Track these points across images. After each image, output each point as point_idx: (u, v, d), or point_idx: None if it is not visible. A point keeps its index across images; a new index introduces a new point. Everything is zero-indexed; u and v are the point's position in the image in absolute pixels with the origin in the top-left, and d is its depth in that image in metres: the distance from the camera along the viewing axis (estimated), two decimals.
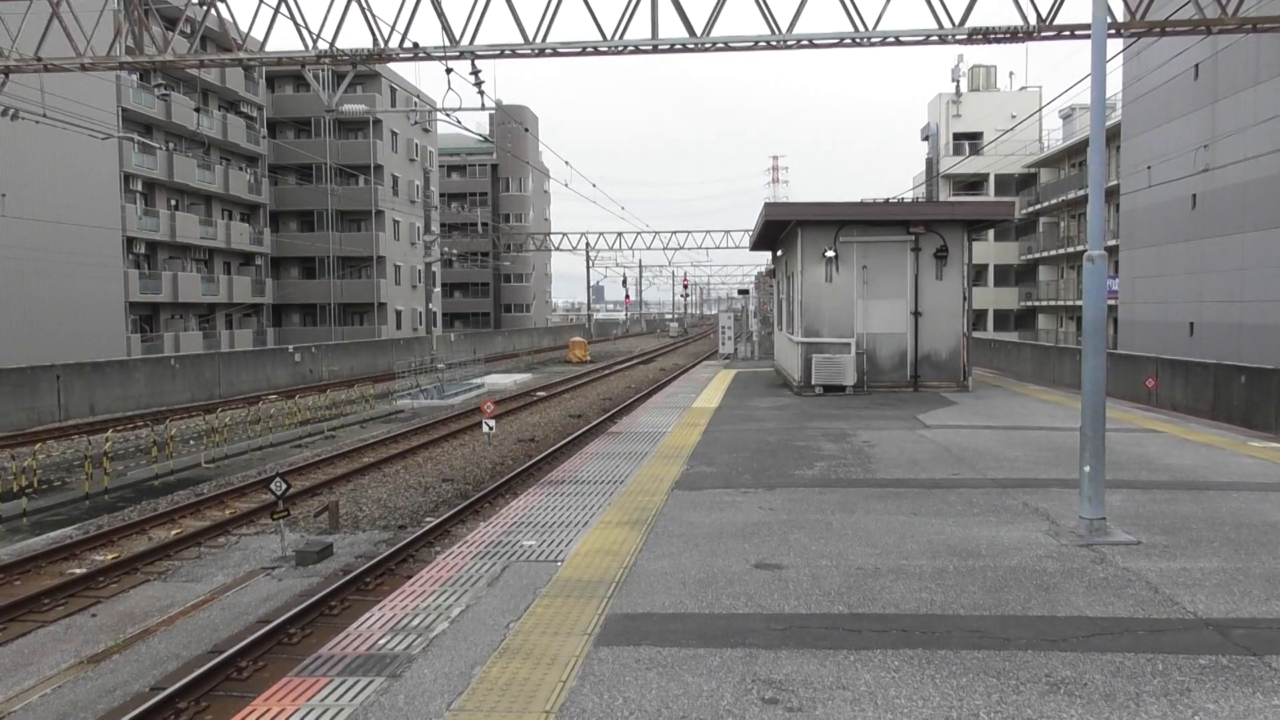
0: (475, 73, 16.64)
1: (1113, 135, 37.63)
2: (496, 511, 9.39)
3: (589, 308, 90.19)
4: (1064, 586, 5.72)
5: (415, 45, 15.52)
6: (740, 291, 62.02)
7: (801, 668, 4.51)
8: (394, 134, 58.64)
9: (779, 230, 21.17)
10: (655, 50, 15.46)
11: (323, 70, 19.92)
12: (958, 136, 60.91)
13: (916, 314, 17.80)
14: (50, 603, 10.02)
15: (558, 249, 74.51)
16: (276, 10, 15.41)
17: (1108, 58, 7.11)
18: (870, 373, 17.92)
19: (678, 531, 7.24)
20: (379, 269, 56.13)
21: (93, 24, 15.92)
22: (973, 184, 61.03)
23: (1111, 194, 38.17)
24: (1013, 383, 21.82)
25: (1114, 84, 39.05)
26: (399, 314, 59.10)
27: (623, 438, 12.79)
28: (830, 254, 17.64)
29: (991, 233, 56.09)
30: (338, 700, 4.31)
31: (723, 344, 36.22)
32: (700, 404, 16.86)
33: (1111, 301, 35.79)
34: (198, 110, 35.21)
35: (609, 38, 15.13)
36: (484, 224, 77.00)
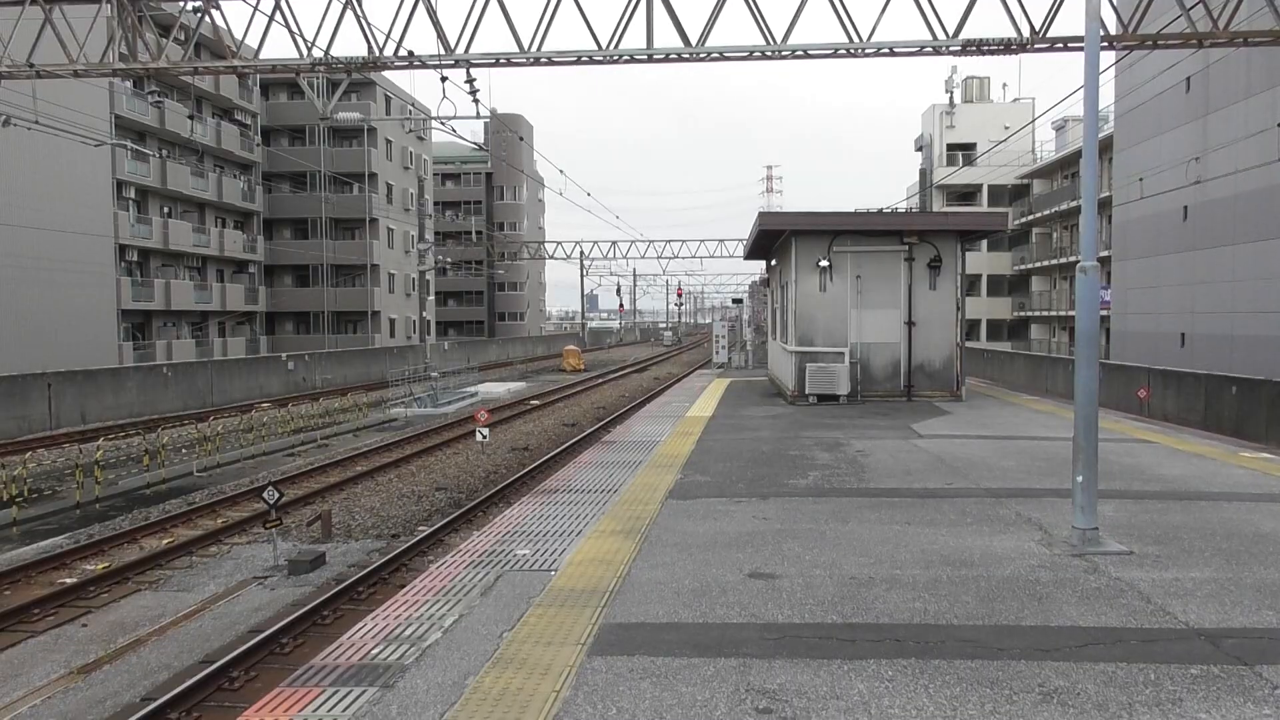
0: (470, 81, 16.66)
1: (1105, 147, 37.86)
2: (490, 520, 9.37)
3: (583, 316, 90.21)
4: (1057, 596, 5.73)
5: (410, 53, 15.54)
6: (734, 300, 62.16)
7: (795, 677, 4.51)
8: (388, 142, 58.65)
9: (773, 240, 21.22)
10: (650, 60, 15.50)
11: (317, 78, 19.92)
12: (951, 147, 61.19)
13: (910, 324, 17.85)
14: (40, 613, 9.96)
15: (552, 257, 74.76)
16: (271, 18, 15.41)
17: (1100, 70, 7.16)
18: (864, 382, 17.95)
19: (672, 541, 7.23)
20: (373, 277, 56.08)
21: (86, 30, 15.89)
22: (966, 194, 61.29)
23: (1104, 205, 38.38)
24: (1006, 392, 21.89)
25: (1106, 96, 39.38)
26: (393, 322, 59.02)
27: (616, 446, 12.79)
28: (824, 263, 17.69)
29: (985, 243, 56.31)
30: (330, 710, 4.30)
31: (717, 353, 36.27)
32: (694, 413, 16.86)
33: (1104, 312, 35.92)
34: (191, 117, 35.16)
35: (604, 47, 15.16)
36: (478, 232, 77.06)
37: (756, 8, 14.90)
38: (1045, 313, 54.02)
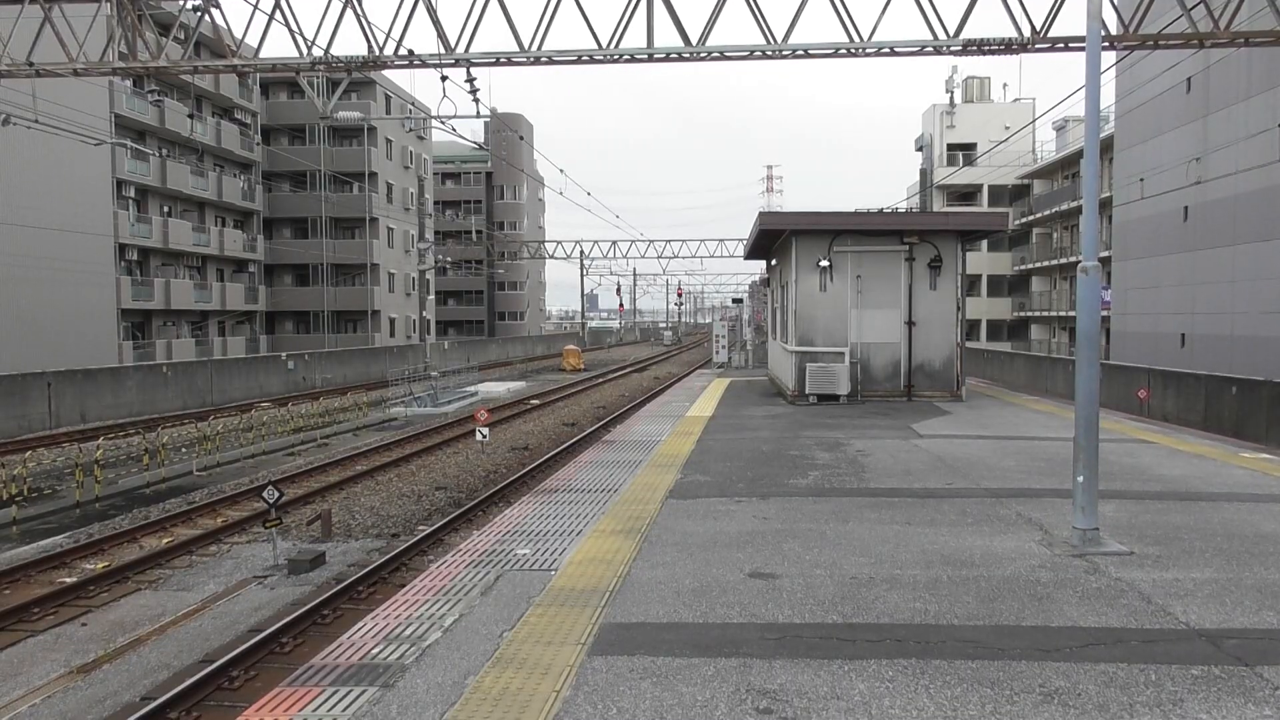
0: (470, 80, 16.66)
1: (1106, 147, 37.85)
2: (490, 520, 9.36)
3: (583, 316, 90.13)
4: (1057, 597, 5.73)
5: (410, 53, 15.53)
6: (734, 300, 62.13)
7: (796, 677, 4.50)
8: (389, 141, 58.64)
9: (773, 239, 21.21)
10: (650, 59, 15.49)
11: (317, 77, 19.91)
12: (952, 147, 61.16)
13: (910, 324, 17.85)
14: (40, 612, 9.95)
15: (552, 257, 74.80)
16: (271, 17, 15.40)
17: (1101, 70, 7.15)
18: (864, 382, 17.95)
19: (672, 540, 7.22)
20: (373, 276, 56.06)
21: (85, 29, 15.88)
22: (966, 194, 61.28)
23: (1105, 206, 38.40)
24: (1006, 393, 21.88)
25: (1107, 96, 39.35)
26: (393, 321, 59.02)
27: (617, 446, 12.78)
28: (824, 263, 17.69)
29: (985, 243, 56.30)
30: (330, 710, 4.29)
31: (716, 353, 36.25)
32: (694, 412, 16.85)
33: (1104, 313, 35.90)
34: (191, 116, 35.12)
35: (604, 46, 15.15)
36: (478, 231, 77.05)
37: (757, 7, 14.89)
38: (1045, 313, 54.02)
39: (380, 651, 5.01)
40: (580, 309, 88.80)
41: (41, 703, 7.71)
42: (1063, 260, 50.44)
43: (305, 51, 15.53)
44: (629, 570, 6.42)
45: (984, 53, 14.84)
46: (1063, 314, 50.32)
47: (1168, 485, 9.38)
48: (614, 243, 68.87)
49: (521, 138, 71.40)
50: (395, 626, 5.41)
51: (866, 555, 6.72)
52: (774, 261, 25.19)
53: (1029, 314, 56.71)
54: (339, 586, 10.12)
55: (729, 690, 4.36)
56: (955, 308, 17.89)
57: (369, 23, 15.35)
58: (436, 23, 15.34)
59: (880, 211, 28.87)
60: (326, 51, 15.48)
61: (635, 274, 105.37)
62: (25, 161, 32.79)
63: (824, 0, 14.44)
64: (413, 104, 61.42)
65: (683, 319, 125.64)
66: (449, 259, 70.42)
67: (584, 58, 15.38)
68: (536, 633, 5.22)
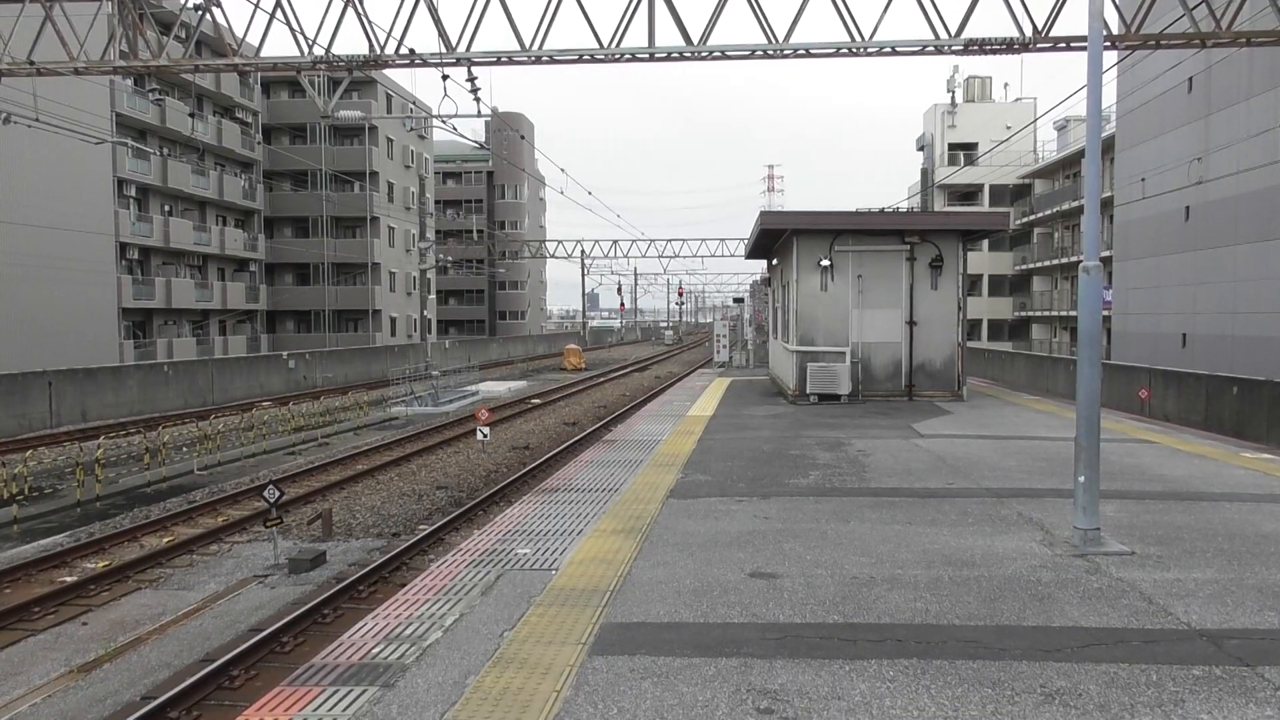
0: (471, 79, 16.64)
1: (1107, 147, 37.81)
2: (491, 519, 9.36)
3: (584, 315, 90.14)
4: (1058, 597, 5.72)
5: (412, 52, 15.52)
6: (735, 300, 62.11)
7: (796, 677, 4.50)
8: (390, 140, 58.63)
9: (774, 239, 21.21)
10: (652, 59, 15.48)
11: (318, 76, 19.88)
12: (953, 147, 61.13)
13: (911, 323, 17.84)
14: (40, 611, 9.95)
15: (553, 256, 74.83)
16: (272, 16, 15.39)
17: (1102, 70, 7.14)
18: (865, 382, 17.94)
19: (673, 540, 7.22)
20: (374, 275, 56.06)
21: (86, 28, 15.88)
22: (967, 194, 61.25)
23: (1106, 205, 38.39)
24: (1007, 392, 21.87)
25: (1109, 96, 39.29)
26: (393, 321, 59.01)
27: (618, 445, 12.78)
28: (825, 263, 17.68)
29: (986, 243, 56.26)
30: (330, 710, 4.29)
31: (717, 352, 36.25)
32: (695, 412, 16.85)
33: (1105, 312, 35.85)
34: (192, 115, 35.09)
35: (606, 46, 15.14)
36: (479, 231, 77.03)
37: (758, 7, 14.87)
38: (1046, 313, 53.99)
39: (381, 651, 5.01)
40: (581, 308, 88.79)
41: (42, 702, 7.71)
42: (1064, 260, 50.41)
43: (306, 50, 15.52)
44: (630, 570, 6.42)
45: (985, 52, 14.82)
46: (1064, 314, 50.28)
47: (1169, 485, 9.38)
48: (615, 242, 68.92)
49: (522, 137, 71.38)
50: (396, 626, 5.41)
51: (868, 555, 6.71)
52: (775, 261, 25.18)
53: (1030, 314, 56.68)
54: (339, 586, 10.12)
55: (730, 690, 4.36)
56: (956, 307, 17.88)
57: (370, 22, 15.34)
58: (438, 22, 15.33)
59: (881, 211, 28.86)
60: (328, 50, 15.47)
61: (636, 273, 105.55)
62: (26, 160, 32.79)
63: (825, 0, 14.43)
64: (414, 103, 61.42)
65: (684, 318, 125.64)
66: (450, 258, 70.41)
67: (585, 57, 15.37)
68: (537, 632, 5.22)
